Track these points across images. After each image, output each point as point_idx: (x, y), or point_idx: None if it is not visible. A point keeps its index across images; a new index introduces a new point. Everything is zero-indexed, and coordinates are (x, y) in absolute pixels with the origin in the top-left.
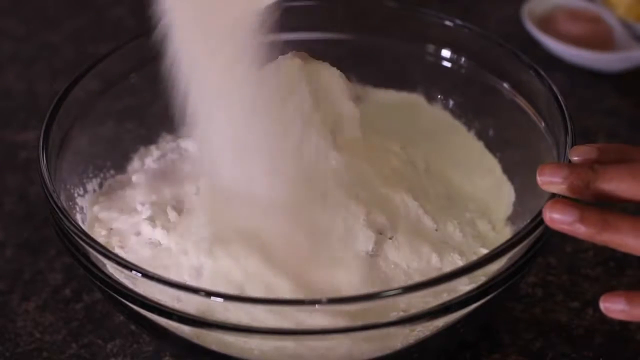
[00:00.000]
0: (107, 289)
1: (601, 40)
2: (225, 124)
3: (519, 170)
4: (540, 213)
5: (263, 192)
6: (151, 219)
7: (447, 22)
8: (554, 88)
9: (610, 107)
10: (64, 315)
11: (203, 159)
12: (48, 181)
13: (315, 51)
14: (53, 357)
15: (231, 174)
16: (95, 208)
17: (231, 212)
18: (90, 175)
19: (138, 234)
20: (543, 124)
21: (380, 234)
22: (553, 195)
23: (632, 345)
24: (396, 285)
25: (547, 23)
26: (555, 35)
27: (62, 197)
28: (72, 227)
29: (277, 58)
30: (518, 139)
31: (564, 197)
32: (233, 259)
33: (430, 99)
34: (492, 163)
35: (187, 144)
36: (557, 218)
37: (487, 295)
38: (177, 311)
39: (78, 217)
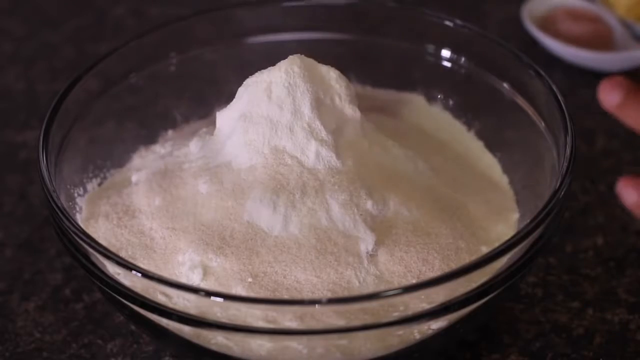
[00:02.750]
0: (107, 289)
1: (601, 40)
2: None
3: (519, 170)
4: (540, 213)
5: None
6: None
7: (447, 22)
8: (554, 88)
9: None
10: (64, 315)
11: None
12: (48, 181)
13: (315, 51)
14: (53, 357)
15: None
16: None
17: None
18: (90, 175)
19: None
20: (543, 124)
21: (381, 234)
22: (553, 197)
23: (632, 345)
24: (396, 285)
25: (547, 23)
26: (555, 35)
27: (62, 197)
28: (72, 227)
29: (278, 61)
30: (518, 139)
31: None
32: (237, 259)
33: (430, 99)
34: (492, 163)
35: (187, 144)
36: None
37: (487, 295)
38: (177, 311)
39: (78, 217)
